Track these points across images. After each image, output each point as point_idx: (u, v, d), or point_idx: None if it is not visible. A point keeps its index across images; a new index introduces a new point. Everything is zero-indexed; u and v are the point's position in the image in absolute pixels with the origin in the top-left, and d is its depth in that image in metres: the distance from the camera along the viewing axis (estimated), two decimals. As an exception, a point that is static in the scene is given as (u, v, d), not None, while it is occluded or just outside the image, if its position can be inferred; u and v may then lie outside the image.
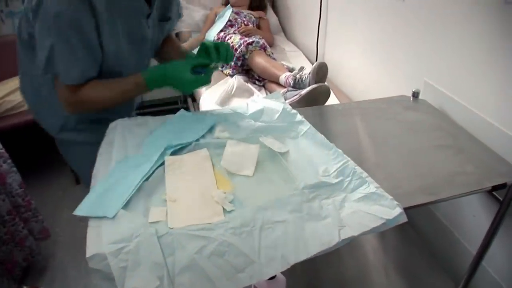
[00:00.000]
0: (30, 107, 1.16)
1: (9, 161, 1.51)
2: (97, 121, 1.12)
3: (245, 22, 2.21)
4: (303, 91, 1.39)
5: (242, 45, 1.82)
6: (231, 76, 1.85)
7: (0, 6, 2.39)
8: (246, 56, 1.82)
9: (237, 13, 2.26)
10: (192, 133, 0.95)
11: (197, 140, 0.94)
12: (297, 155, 0.87)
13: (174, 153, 0.89)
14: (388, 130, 1.05)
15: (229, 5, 2.35)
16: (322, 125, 1.02)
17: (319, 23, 1.96)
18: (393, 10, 1.34)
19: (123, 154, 0.88)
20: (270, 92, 1.70)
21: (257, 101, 1.09)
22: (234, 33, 2.05)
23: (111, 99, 1.01)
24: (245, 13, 2.29)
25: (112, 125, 1.01)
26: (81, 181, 1.39)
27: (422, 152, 0.94)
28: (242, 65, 1.87)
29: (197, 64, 0.99)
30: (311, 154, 0.88)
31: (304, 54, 2.18)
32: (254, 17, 2.32)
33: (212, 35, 2.08)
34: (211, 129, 0.98)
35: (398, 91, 1.31)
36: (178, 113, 1.06)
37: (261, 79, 1.81)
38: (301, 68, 1.62)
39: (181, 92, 1.46)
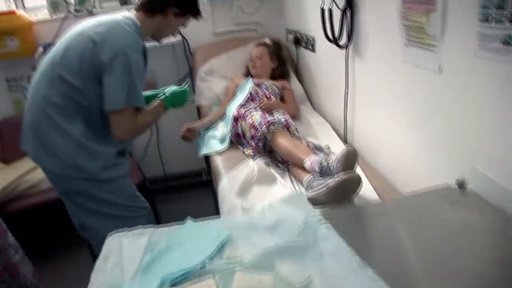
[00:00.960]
0: (67, 161, 1.43)
1: (21, 250, 1.56)
2: (122, 154, 1.57)
3: (267, 95, 2.22)
4: (331, 183, 1.35)
5: (263, 125, 1.81)
6: (252, 157, 1.83)
7: (24, 82, 2.55)
8: (268, 137, 1.80)
9: (258, 85, 2.27)
10: (198, 252, 0.93)
11: (203, 265, 0.90)
12: (321, 283, 0.80)
13: (175, 284, 0.86)
14: (433, 236, 0.97)
15: (250, 77, 2.37)
16: (355, 230, 0.97)
17: (346, 94, 1.92)
18: (431, 84, 1.31)
19: (118, 274, 0.88)
20: (295, 178, 1.68)
21: (275, 207, 1.06)
22: (255, 109, 2.04)
23: (150, 122, 1.56)
24: (267, 84, 2.29)
25: (109, 239, 1.02)
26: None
27: (472, 266, 0.85)
28: (264, 146, 1.85)
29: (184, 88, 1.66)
30: (339, 281, 0.80)
31: (331, 125, 2.15)
32: (277, 88, 2.32)
33: (232, 109, 2.09)
34: (221, 247, 0.96)
35: (439, 172, 1.26)
36: (184, 225, 1.04)
37: (284, 162, 1.78)
38: (328, 151, 1.61)
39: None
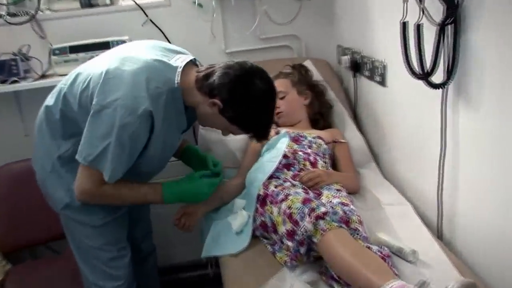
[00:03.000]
0: (39, 179, 1.79)
1: None
2: (105, 205, 1.75)
3: (311, 158, 2.09)
4: None
5: (306, 217, 1.62)
6: (290, 268, 1.70)
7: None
8: (315, 239, 1.59)
9: (296, 140, 2.15)
10: None
11: None
12: None
13: None
14: None
15: (284, 131, 2.24)
16: None
17: (442, 160, 1.77)
18: None
19: None
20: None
21: None
22: (293, 185, 1.90)
23: (129, 201, 1.73)
24: (309, 138, 2.18)
25: None
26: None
27: None
28: (307, 251, 1.67)
29: (204, 174, 1.83)
30: None
31: (414, 208, 1.98)
32: (325, 143, 2.20)
33: (255, 182, 1.93)
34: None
35: None
36: None
37: (341, 281, 1.59)
38: (414, 259, 1.58)
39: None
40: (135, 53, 1.67)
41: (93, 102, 1.56)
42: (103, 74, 1.59)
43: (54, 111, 1.70)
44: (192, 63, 1.74)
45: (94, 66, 1.68)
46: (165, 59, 1.66)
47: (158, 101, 1.57)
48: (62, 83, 1.74)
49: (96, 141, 1.56)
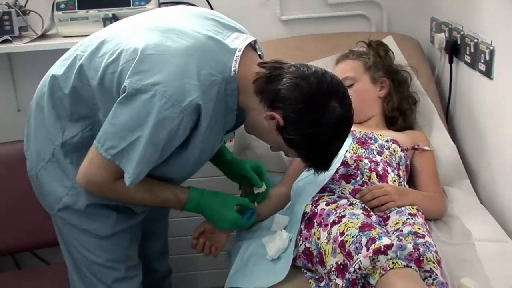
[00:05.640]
0: (32, 169, 1.79)
1: None
2: (111, 208, 1.79)
3: (379, 168, 2.08)
4: None
5: (363, 249, 1.61)
6: None
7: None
8: (372, 280, 1.57)
9: (362, 143, 2.16)
10: None
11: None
12: None
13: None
14: None
15: None
16: None
17: None
18: None
19: None
20: None
21: None
22: (351, 204, 1.87)
23: (146, 202, 1.75)
24: (380, 142, 2.17)
25: None
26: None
27: None
28: None
29: (242, 204, 1.89)
30: None
31: None
32: (401, 150, 2.18)
33: (304, 200, 1.94)
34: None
35: None
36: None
37: None
38: None
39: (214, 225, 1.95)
40: (181, 24, 1.66)
41: (125, 84, 1.55)
42: (139, 50, 1.58)
43: (63, 84, 1.70)
44: (251, 46, 1.74)
45: (127, 36, 1.67)
46: (219, 37, 1.66)
47: (210, 93, 1.58)
48: (79, 49, 1.73)
49: (124, 132, 1.56)
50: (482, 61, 2.18)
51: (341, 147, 1.74)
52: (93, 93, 1.67)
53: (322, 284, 1.78)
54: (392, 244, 1.58)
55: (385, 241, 1.59)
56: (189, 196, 1.75)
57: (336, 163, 1.98)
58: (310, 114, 1.62)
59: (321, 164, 1.75)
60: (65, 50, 1.78)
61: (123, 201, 1.75)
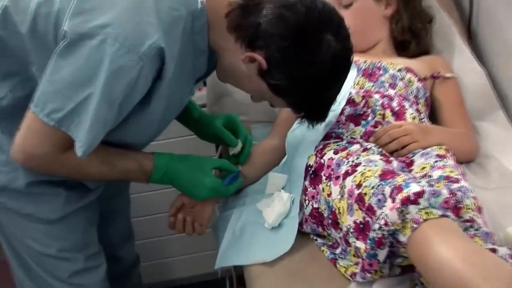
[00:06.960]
0: None
1: None
2: (59, 184, 1.77)
3: (394, 104, 2.07)
4: None
5: (388, 201, 1.59)
6: (360, 283, 1.72)
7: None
8: (403, 237, 1.57)
9: (370, 75, 2.16)
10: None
11: None
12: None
13: None
14: None
15: None
16: None
17: None
18: None
19: None
20: None
21: None
22: (365, 149, 1.88)
23: (103, 176, 1.74)
24: (391, 72, 2.16)
25: None
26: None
27: None
28: (390, 257, 1.65)
29: (221, 166, 1.88)
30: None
31: None
32: (419, 80, 2.18)
33: (305, 151, 1.96)
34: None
35: None
36: None
37: None
38: None
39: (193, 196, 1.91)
40: None
41: (65, 27, 1.46)
42: None
43: None
44: None
45: None
46: None
47: (173, 32, 1.53)
48: None
49: (69, 90, 1.49)
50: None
51: (339, 91, 1.73)
52: (22, 42, 1.59)
53: (338, 250, 1.79)
54: (423, 191, 1.54)
55: (414, 188, 1.55)
56: (155, 164, 1.73)
57: (340, 101, 1.97)
58: (300, 52, 1.58)
59: (316, 114, 1.74)
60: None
61: (75, 176, 1.72)
